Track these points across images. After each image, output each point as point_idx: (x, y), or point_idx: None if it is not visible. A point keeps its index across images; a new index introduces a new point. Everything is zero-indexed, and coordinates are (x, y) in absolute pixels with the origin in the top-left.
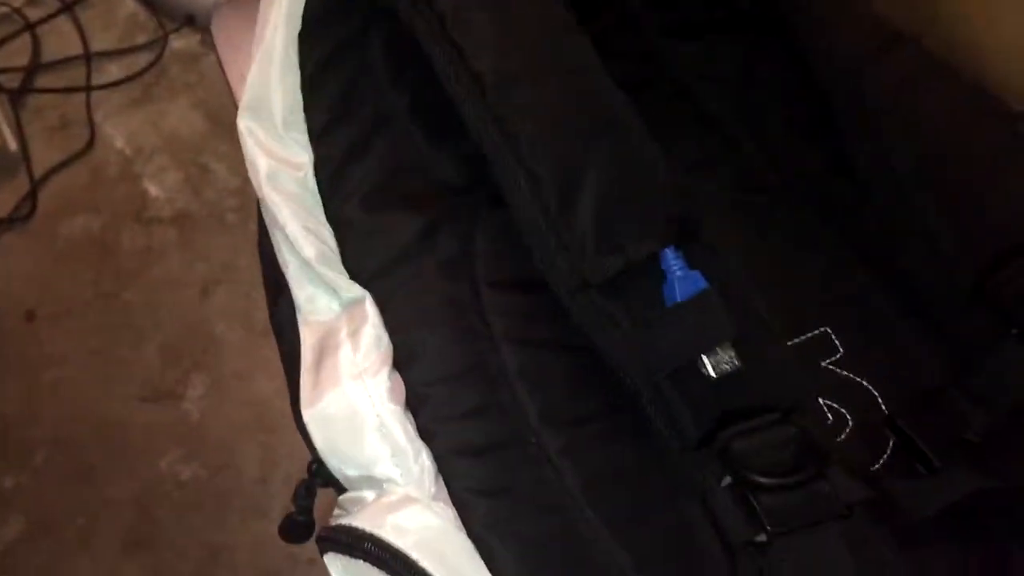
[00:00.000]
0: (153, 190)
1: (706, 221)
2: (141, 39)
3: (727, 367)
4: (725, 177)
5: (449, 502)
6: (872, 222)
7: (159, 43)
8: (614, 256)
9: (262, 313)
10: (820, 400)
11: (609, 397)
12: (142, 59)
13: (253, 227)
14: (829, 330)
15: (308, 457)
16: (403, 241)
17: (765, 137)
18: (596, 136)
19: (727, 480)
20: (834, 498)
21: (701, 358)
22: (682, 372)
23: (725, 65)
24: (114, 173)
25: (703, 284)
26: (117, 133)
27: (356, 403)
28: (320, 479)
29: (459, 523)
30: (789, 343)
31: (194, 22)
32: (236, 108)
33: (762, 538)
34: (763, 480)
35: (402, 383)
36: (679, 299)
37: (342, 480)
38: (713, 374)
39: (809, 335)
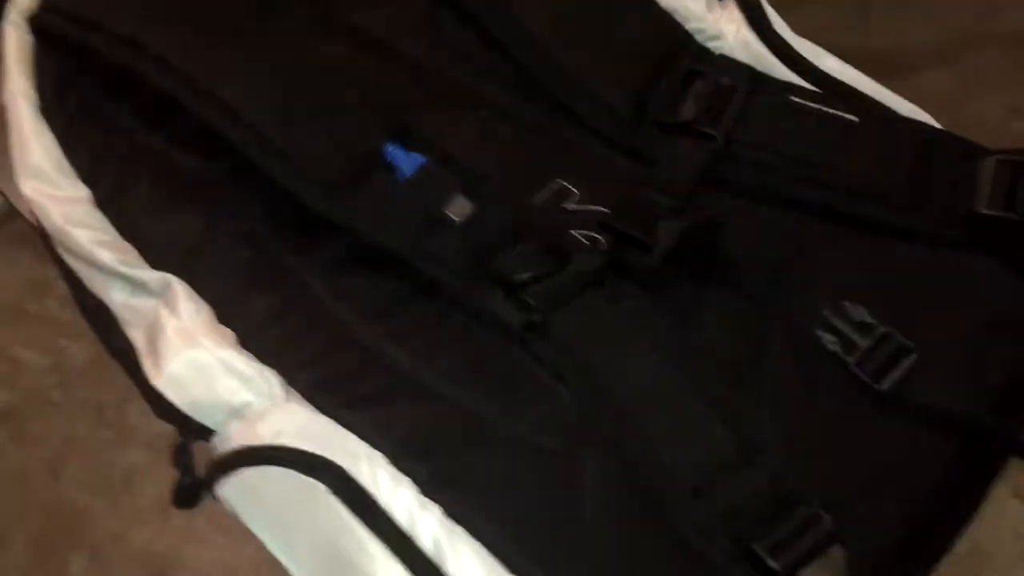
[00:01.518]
0: None
1: (431, 122)
2: None
3: (467, 211)
4: (441, 94)
5: (300, 402)
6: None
7: None
8: (342, 159)
9: (116, 465)
10: (574, 232)
11: (403, 282)
12: None
13: (81, 394)
14: (561, 180)
15: None
16: (195, 231)
17: (466, 57)
18: (301, 90)
19: (502, 293)
20: (585, 271)
21: (443, 211)
22: (436, 229)
23: (414, 20)
24: None
25: (422, 160)
26: None
27: (197, 357)
28: (192, 435)
29: (313, 412)
30: (535, 198)
31: None
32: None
33: (538, 318)
34: (523, 276)
35: (231, 332)
36: (407, 175)
37: (212, 426)
38: (456, 219)
39: (548, 188)
